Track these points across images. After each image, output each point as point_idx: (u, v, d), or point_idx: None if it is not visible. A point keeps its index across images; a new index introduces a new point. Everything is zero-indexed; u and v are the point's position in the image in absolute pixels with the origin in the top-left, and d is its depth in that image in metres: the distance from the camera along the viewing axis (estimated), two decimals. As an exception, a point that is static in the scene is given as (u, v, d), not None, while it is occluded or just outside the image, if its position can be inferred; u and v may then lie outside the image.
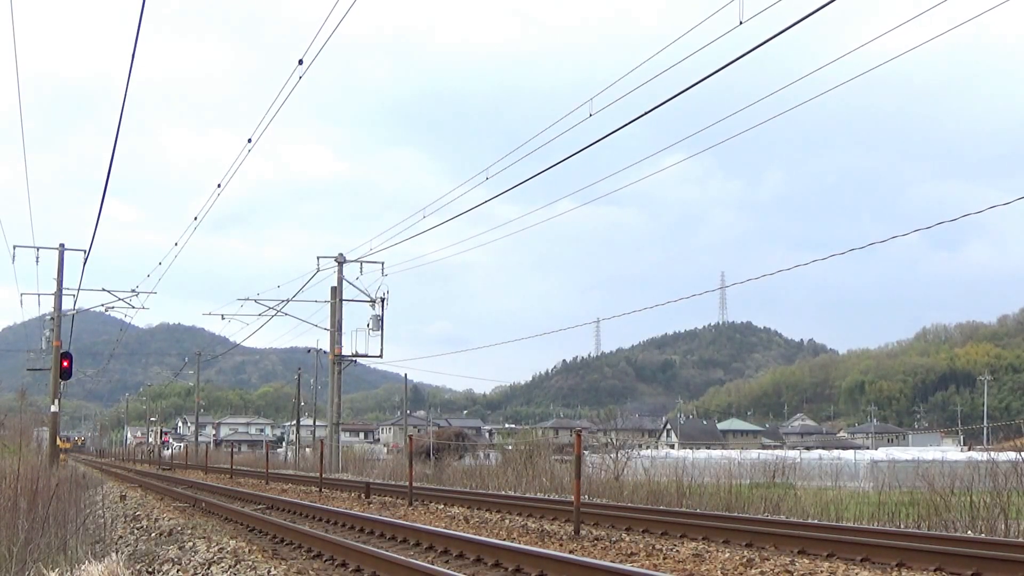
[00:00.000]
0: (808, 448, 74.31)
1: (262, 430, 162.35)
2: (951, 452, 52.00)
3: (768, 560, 11.00)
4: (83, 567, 9.91)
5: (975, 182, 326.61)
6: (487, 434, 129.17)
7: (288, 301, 46.40)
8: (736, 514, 17.38)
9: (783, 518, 16.85)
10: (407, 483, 23.03)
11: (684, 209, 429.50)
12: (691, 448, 69.69)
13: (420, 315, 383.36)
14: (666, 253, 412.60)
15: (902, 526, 15.87)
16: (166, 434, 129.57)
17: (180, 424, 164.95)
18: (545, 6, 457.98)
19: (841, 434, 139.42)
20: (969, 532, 14.44)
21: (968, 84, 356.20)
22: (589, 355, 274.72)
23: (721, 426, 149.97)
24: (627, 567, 9.92)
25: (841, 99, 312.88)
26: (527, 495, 23.67)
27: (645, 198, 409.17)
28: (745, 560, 10.98)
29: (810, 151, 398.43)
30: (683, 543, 13.18)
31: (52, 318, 39.80)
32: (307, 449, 74.02)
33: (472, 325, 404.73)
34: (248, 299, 46.88)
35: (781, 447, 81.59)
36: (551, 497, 22.27)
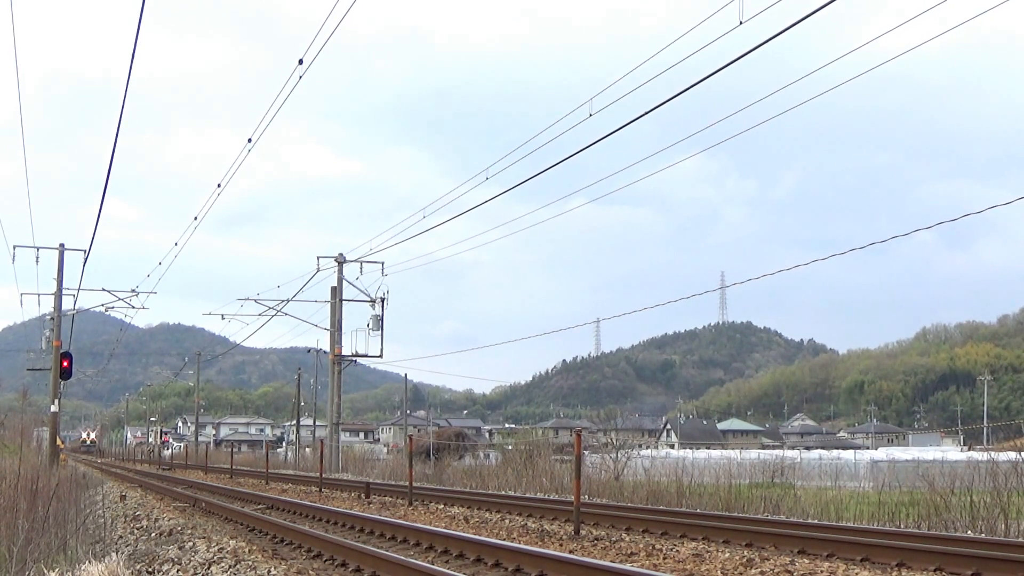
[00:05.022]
0: (808, 448, 74.30)
1: (262, 430, 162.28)
2: (951, 452, 51.99)
3: (768, 560, 11.00)
4: (83, 567, 9.92)
5: (985, 181, 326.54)
6: (487, 434, 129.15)
7: (288, 301, 46.45)
8: (736, 514, 17.38)
9: (783, 518, 16.85)
10: (407, 483, 23.03)
11: (698, 209, 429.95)
12: (691, 448, 69.67)
13: (428, 314, 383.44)
14: (677, 253, 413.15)
15: (902, 526, 15.87)
16: (166, 434, 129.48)
17: (180, 424, 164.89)
18: (549, 5, 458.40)
19: (841, 434, 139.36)
20: (969, 532, 14.45)
21: (974, 83, 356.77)
22: (589, 355, 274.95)
23: (721, 426, 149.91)
24: (627, 567, 9.92)
25: (849, 99, 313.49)
26: (527, 495, 23.67)
27: (659, 198, 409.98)
28: (745, 560, 10.98)
29: (824, 151, 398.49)
30: (683, 543, 13.18)
31: (52, 318, 39.79)
32: (307, 449, 74.02)
33: (479, 324, 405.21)
34: (248, 299, 46.95)
35: (781, 447, 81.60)
36: (551, 497, 22.27)
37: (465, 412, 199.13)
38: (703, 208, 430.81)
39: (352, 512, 17.80)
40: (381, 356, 44.55)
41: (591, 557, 11.11)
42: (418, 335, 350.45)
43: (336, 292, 44.42)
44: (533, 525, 16.00)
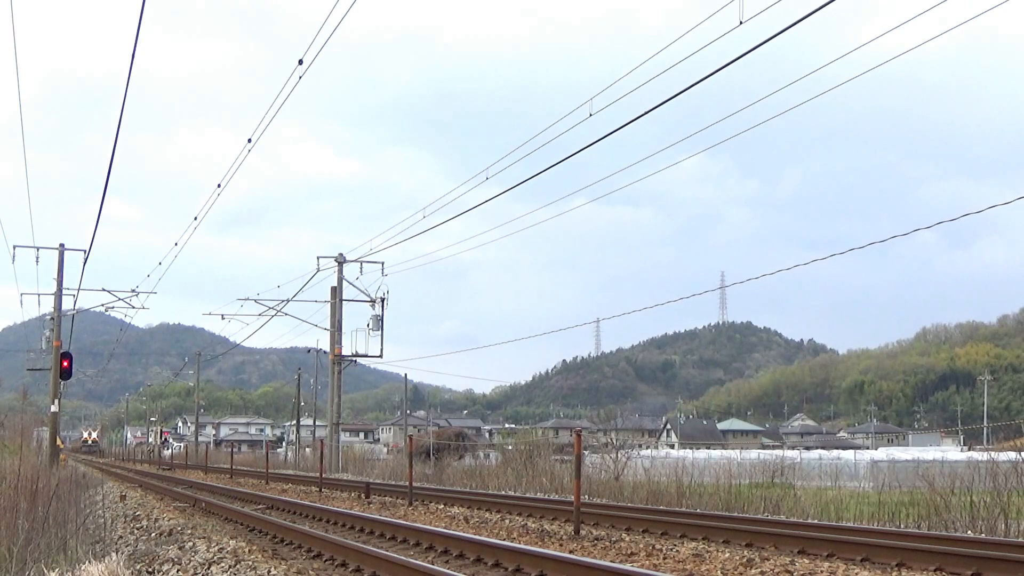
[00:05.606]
0: (808, 448, 74.29)
1: (262, 430, 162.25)
2: (951, 452, 52.02)
3: (768, 560, 11.00)
4: (83, 567, 9.91)
5: (986, 181, 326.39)
6: (487, 434, 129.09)
7: (288, 301, 46.45)
8: (736, 514, 17.37)
9: (783, 518, 16.85)
10: (407, 483, 23.03)
11: (700, 209, 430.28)
12: (691, 448, 69.64)
13: (428, 314, 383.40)
14: (678, 253, 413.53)
15: (902, 526, 15.87)
16: (166, 433, 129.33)
17: (180, 424, 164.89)
18: (549, 5, 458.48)
19: (841, 434, 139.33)
20: (969, 532, 14.44)
21: (975, 83, 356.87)
22: (589, 355, 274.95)
23: (721, 426, 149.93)
24: (627, 567, 9.92)
25: (850, 98, 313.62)
26: (527, 495, 23.67)
27: (661, 198, 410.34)
28: (745, 560, 10.98)
29: (825, 151, 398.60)
30: (683, 543, 13.18)
31: (52, 318, 39.79)
32: (307, 449, 74.00)
33: (480, 324, 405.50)
34: (248, 299, 46.94)
35: (781, 447, 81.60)
36: (551, 497, 22.27)
37: (465, 412, 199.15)
38: (705, 208, 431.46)
39: (352, 512, 17.80)
40: (381, 356, 44.60)
41: (591, 557, 11.11)
42: (418, 335, 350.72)
43: (336, 292, 44.43)
44: (533, 525, 16.00)
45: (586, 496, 18.98)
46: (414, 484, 22.93)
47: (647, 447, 55.90)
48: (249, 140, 20.57)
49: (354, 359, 45.43)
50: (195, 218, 30.10)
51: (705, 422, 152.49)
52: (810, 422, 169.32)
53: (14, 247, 38.42)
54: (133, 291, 43.05)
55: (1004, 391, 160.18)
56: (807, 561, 11.09)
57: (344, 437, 70.24)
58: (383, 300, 43.84)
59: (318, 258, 44.23)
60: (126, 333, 79.13)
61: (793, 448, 72.50)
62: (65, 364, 37.48)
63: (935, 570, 10.37)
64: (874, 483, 30.36)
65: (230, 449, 61.29)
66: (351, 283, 44.23)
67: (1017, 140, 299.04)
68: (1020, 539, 13.22)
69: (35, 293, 62.64)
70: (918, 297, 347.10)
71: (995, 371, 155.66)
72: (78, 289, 42.06)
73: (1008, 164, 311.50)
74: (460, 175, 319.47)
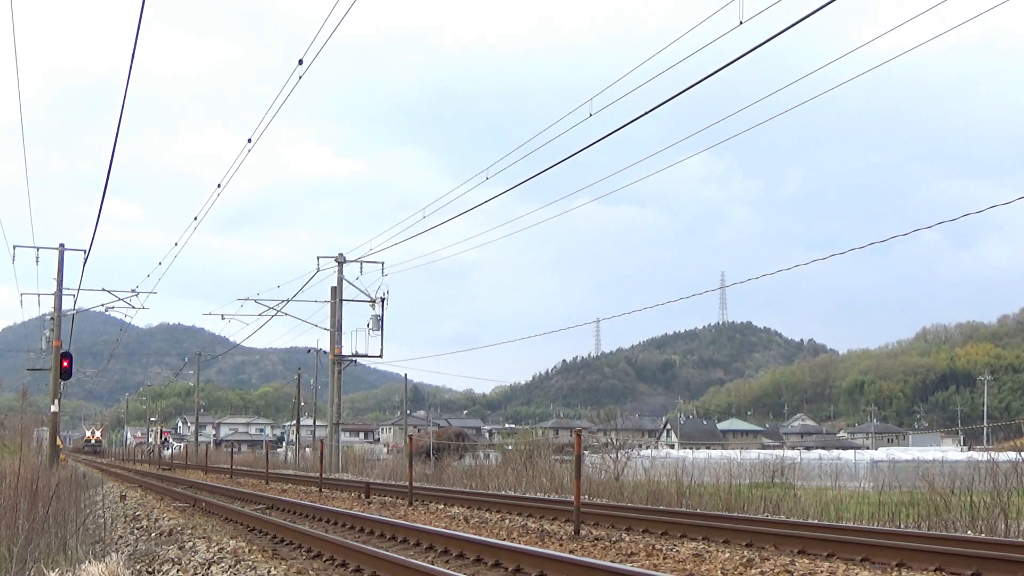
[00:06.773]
0: (808, 448, 74.29)
1: (262, 430, 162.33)
2: (951, 452, 52.03)
3: (768, 560, 11.00)
4: (83, 567, 9.91)
5: (990, 181, 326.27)
6: (487, 434, 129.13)
7: (288, 301, 46.45)
8: (736, 514, 17.37)
9: (783, 518, 16.85)
10: (407, 483, 23.03)
11: (703, 209, 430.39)
12: (691, 448, 69.62)
13: (430, 314, 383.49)
14: (681, 253, 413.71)
15: (902, 526, 15.87)
16: (166, 433, 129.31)
17: (180, 424, 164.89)
18: (549, 5, 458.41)
19: (841, 434, 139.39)
20: (969, 532, 14.44)
21: (976, 82, 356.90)
22: (589, 355, 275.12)
23: (721, 426, 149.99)
24: (627, 567, 9.91)
25: (853, 98, 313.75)
26: (527, 495, 23.66)
27: (665, 197, 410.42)
28: (745, 560, 10.98)
29: (829, 151, 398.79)
30: (683, 543, 13.18)
31: (52, 318, 39.79)
32: (307, 449, 73.99)
33: (481, 324, 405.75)
34: (248, 299, 46.93)
35: (781, 447, 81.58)
36: (551, 497, 22.26)
37: (465, 412, 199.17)
38: (708, 208, 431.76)
39: (352, 512, 17.80)
40: (381, 356, 44.60)
41: (591, 557, 11.11)
42: (420, 335, 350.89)
43: (336, 292, 44.43)
44: (533, 525, 16.00)
45: (586, 496, 18.97)
46: (414, 484, 22.93)
47: (647, 447, 55.86)
48: (249, 140, 20.58)
49: (354, 359, 45.43)
50: (195, 218, 30.10)
51: (705, 422, 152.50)
52: (810, 422, 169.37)
53: (14, 247, 38.49)
54: (133, 291, 43.10)
55: (1004, 391, 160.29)
56: (807, 561, 11.09)
57: (344, 437, 70.25)
58: (383, 300, 43.88)
59: (318, 258, 44.28)
60: (126, 333, 79.15)
61: (793, 448, 72.50)
62: (65, 364, 37.48)
63: (935, 570, 10.37)
64: (874, 483, 30.35)
65: (230, 449, 61.31)
66: (351, 283, 44.28)
67: (1017, 140, 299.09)
68: (1020, 539, 13.22)
69: (35, 293, 62.73)
70: (918, 297, 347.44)
71: (995, 371, 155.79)
72: (78, 289, 42.12)
73: (1008, 164, 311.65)
74: (460, 175, 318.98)
